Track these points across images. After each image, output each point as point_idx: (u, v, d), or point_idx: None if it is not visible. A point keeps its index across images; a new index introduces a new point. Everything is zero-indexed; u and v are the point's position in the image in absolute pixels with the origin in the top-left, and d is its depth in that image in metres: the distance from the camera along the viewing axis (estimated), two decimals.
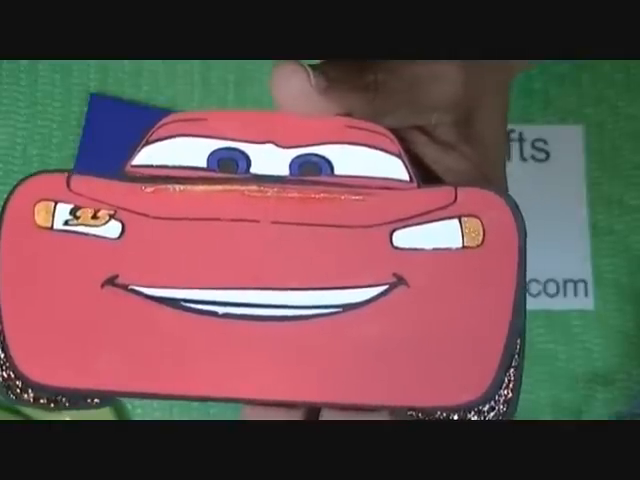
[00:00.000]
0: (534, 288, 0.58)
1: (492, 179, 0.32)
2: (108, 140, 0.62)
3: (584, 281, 0.58)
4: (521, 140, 0.60)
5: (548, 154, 0.60)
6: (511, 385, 0.27)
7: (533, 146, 0.60)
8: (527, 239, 0.28)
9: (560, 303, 0.58)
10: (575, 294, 0.58)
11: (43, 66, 0.62)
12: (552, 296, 0.58)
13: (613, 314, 0.59)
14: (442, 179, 0.31)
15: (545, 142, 0.60)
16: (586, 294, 0.58)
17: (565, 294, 0.58)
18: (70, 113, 0.61)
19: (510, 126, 0.60)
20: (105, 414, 0.55)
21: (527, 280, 0.28)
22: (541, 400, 0.57)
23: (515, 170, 0.58)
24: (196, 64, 0.61)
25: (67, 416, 0.47)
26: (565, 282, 0.58)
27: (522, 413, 0.27)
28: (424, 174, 0.30)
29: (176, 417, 0.57)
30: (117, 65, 0.61)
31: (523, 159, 0.60)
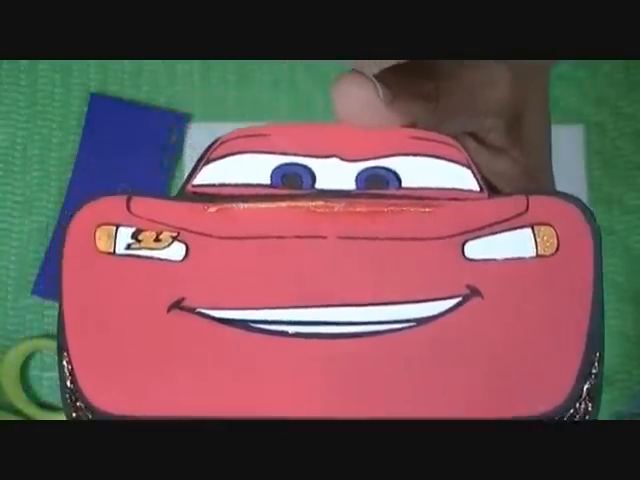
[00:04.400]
0: None
1: (541, 181, 0.31)
2: (108, 140, 0.62)
3: None
4: None
5: None
6: (591, 394, 0.26)
7: None
8: None
9: None
10: None
11: (43, 66, 0.62)
12: None
13: (613, 314, 0.59)
14: (494, 185, 0.30)
15: None
16: None
17: None
18: (70, 113, 0.61)
19: None
20: None
21: None
22: None
23: None
24: (196, 64, 0.61)
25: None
26: None
27: None
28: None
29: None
30: (117, 65, 0.61)
31: None
